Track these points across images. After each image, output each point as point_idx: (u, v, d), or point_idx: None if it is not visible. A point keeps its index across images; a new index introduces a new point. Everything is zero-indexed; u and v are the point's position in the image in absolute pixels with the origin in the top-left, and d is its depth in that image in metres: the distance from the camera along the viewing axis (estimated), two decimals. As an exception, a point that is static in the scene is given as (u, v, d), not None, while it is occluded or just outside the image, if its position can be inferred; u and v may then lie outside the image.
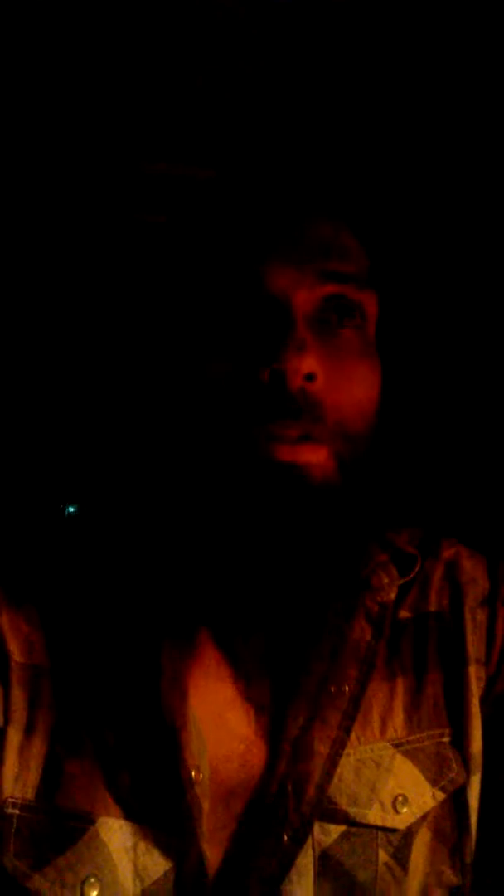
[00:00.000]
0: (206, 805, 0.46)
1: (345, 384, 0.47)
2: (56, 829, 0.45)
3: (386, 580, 0.53)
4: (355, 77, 0.71)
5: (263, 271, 0.46)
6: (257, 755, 0.48)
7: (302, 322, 0.46)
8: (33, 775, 0.45)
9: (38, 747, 0.46)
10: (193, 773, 0.45)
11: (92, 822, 0.45)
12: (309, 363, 0.44)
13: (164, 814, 0.45)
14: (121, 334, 0.55)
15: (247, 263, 0.46)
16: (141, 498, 0.54)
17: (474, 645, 0.55)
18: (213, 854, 0.46)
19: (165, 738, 0.45)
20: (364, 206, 0.54)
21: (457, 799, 0.51)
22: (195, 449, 0.46)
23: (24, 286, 0.69)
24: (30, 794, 0.45)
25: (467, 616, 0.55)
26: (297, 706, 0.49)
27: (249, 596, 0.49)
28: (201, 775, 0.46)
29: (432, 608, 0.55)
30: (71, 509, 0.57)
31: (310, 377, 0.45)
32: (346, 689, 0.50)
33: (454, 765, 0.51)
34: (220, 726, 0.48)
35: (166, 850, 0.45)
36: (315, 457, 0.45)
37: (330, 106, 0.72)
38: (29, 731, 0.46)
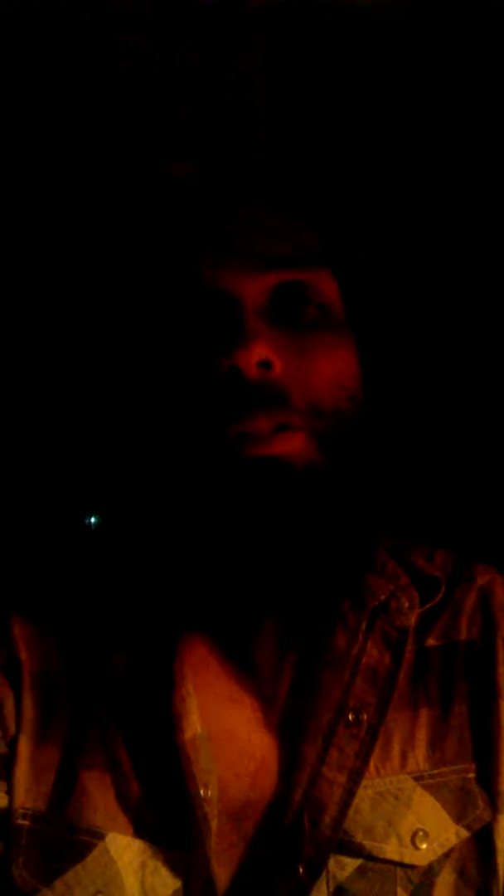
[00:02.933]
0: (214, 824, 0.45)
1: (309, 365, 0.46)
2: (66, 843, 0.45)
3: (406, 604, 0.52)
4: (288, 57, 0.71)
5: (209, 269, 0.46)
6: (269, 776, 0.47)
7: (252, 313, 0.46)
8: (45, 786, 0.46)
9: (50, 757, 0.46)
10: (202, 791, 0.45)
11: (102, 837, 0.45)
12: (259, 351, 0.44)
13: (172, 831, 0.45)
14: (97, 344, 0.56)
15: (191, 264, 0.47)
16: (142, 508, 0.54)
17: None
18: (221, 874, 0.45)
19: (175, 753, 0.45)
20: (307, 185, 0.53)
21: (483, 838, 0.49)
22: (177, 456, 0.47)
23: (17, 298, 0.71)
24: (41, 806, 0.45)
25: (500, 646, 0.53)
26: (313, 732, 0.48)
27: (256, 600, 0.49)
28: (210, 792, 0.45)
29: (462, 636, 0.53)
30: (93, 520, 0.59)
31: (266, 365, 0.44)
32: (365, 717, 0.48)
33: (480, 802, 0.49)
34: (231, 744, 0.48)
35: (175, 869, 0.45)
36: (291, 445, 0.45)
37: (264, 89, 0.72)
38: (41, 741, 0.47)
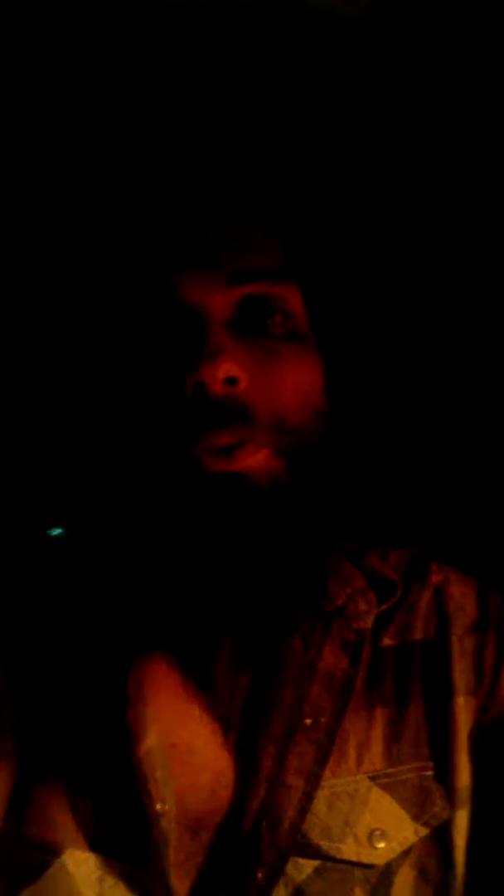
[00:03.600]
0: (172, 837, 0.45)
1: (274, 380, 0.47)
2: (24, 860, 0.45)
3: (363, 607, 0.52)
4: (255, 72, 0.72)
5: (175, 284, 0.47)
6: (226, 786, 0.48)
7: (218, 328, 0.46)
8: (1, 804, 0.46)
9: (5, 774, 0.46)
10: (159, 806, 0.45)
11: (59, 853, 0.45)
12: (225, 368, 0.44)
13: (129, 846, 0.45)
14: (65, 355, 0.56)
15: (158, 279, 0.47)
16: (104, 521, 0.54)
17: (462, 674, 0.53)
18: (180, 886, 0.45)
19: (130, 768, 0.45)
20: (272, 198, 0.54)
21: (441, 836, 0.49)
22: (142, 470, 0.47)
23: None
24: None
25: (454, 644, 0.54)
26: (270, 739, 0.48)
27: (214, 615, 0.50)
28: (167, 806, 0.45)
29: (418, 636, 0.54)
30: (56, 532, 0.59)
31: (231, 381, 0.45)
32: (322, 720, 0.49)
33: (438, 799, 0.49)
34: (188, 757, 0.48)
35: (133, 883, 0.45)
36: (254, 460, 0.45)
37: (229, 103, 0.72)
38: None
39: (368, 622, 0.52)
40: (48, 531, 0.60)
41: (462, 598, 0.56)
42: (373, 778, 0.49)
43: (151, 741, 0.46)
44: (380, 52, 0.76)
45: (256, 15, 0.75)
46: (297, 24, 0.75)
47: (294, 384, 0.48)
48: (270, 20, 0.75)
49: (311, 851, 0.46)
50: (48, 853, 0.45)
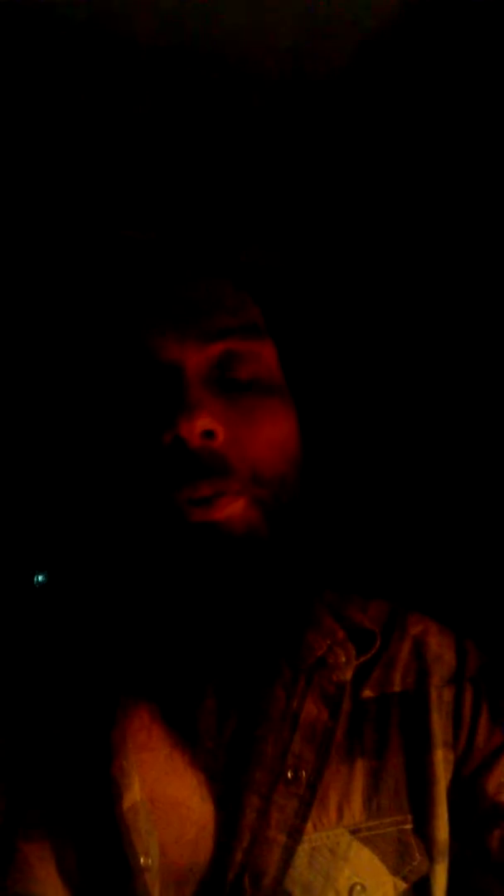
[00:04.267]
0: (156, 891, 0.45)
1: (251, 433, 0.48)
2: None
3: (343, 659, 0.53)
4: (224, 132, 0.75)
5: (151, 343, 0.48)
6: (210, 840, 0.48)
7: (194, 384, 0.47)
8: None
9: None
10: (143, 859, 0.45)
11: None
12: (202, 422, 0.46)
13: None
14: (46, 410, 0.58)
15: (134, 339, 0.49)
16: (85, 572, 0.55)
17: (441, 726, 0.54)
18: None
19: (114, 822, 0.45)
20: (243, 257, 0.56)
21: (421, 890, 0.50)
22: (123, 523, 0.48)
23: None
24: None
25: (433, 696, 0.55)
26: (252, 792, 0.48)
27: (197, 666, 0.50)
28: (150, 860, 0.45)
29: (396, 689, 0.55)
30: (40, 579, 0.59)
31: (208, 434, 0.46)
32: (303, 774, 0.49)
33: (417, 853, 0.50)
34: (172, 811, 0.48)
35: None
36: (232, 510, 0.47)
37: (200, 163, 0.75)
38: None
39: (348, 674, 0.53)
40: (34, 579, 0.60)
41: (440, 649, 0.57)
42: (353, 832, 0.49)
43: (135, 794, 0.47)
44: (354, 108, 0.79)
45: (234, 66, 0.78)
46: (274, 74, 0.78)
47: (269, 435, 0.49)
48: (249, 71, 0.78)
49: None
50: None
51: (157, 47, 0.74)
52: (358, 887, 0.48)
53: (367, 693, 0.54)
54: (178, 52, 0.76)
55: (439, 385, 0.80)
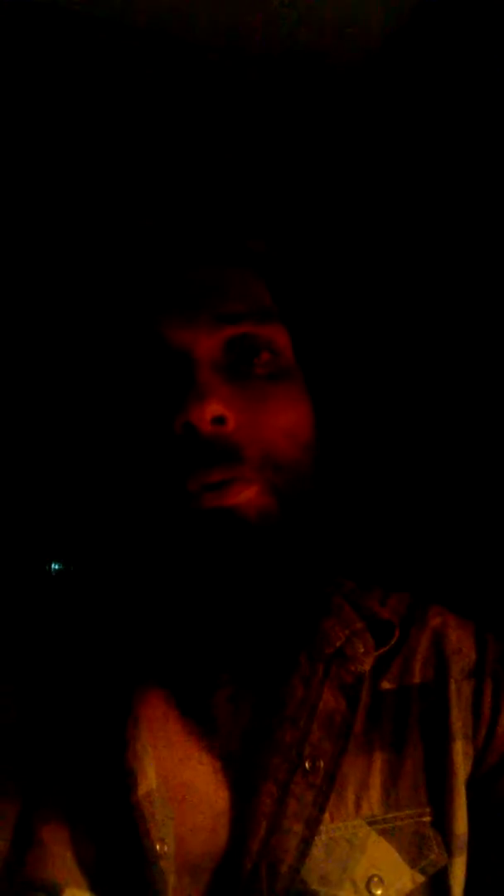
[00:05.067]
0: (171, 879, 0.45)
1: (263, 418, 0.48)
2: None
3: (361, 649, 0.53)
4: (238, 118, 0.74)
5: (162, 329, 0.48)
6: (226, 828, 0.48)
7: (205, 369, 0.47)
8: (2, 841, 0.46)
9: (8, 812, 0.46)
10: (158, 846, 0.45)
11: (59, 892, 0.45)
12: (212, 408, 0.45)
13: (129, 887, 0.45)
14: (56, 398, 0.57)
15: (145, 325, 0.48)
16: (100, 560, 0.55)
17: (460, 720, 0.53)
18: None
19: (130, 809, 0.45)
20: (255, 241, 0.55)
21: (438, 883, 0.49)
22: (136, 510, 0.48)
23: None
24: None
25: (453, 689, 0.54)
26: (269, 782, 0.48)
27: (213, 654, 0.50)
28: (167, 847, 0.45)
29: (416, 680, 0.54)
30: (56, 566, 0.59)
31: (219, 420, 0.46)
32: (321, 764, 0.49)
33: (435, 846, 0.50)
34: (188, 798, 0.48)
35: None
36: (244, 496, 0.46)
37: (212, 148, 0.74)
38: None
39: (366, 665, 0.53)
40: (49, 567, 0.60)
41: (460, 643, 0.56)
42: (371, 823, 0.49)
43: (151, 782, 0.46)
44: (368, 100, 0.79)
45: (246, 57, 0.77)
46: (287, 69, 0.78)
47: (282, 421, 0.49)
48: (260, 65, 0.78)
49: None
50: (48, 893, 0.45)
51: (172, 35, 0.74)
52: (375, 879, 0.48)
53: (386, 685, 0.54)
54: (195, 39, 0.76)
55: (458, 371, 0.79)
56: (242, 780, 0.48)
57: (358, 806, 0.49)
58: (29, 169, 0.77)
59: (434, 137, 0.77)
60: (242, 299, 0.50)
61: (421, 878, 0.49)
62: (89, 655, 0.51)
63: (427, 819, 0.50)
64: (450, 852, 0.50)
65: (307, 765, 0.49)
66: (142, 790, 0.46)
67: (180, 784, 0.48)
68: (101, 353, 0.50)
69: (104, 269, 0.53)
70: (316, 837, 0.47)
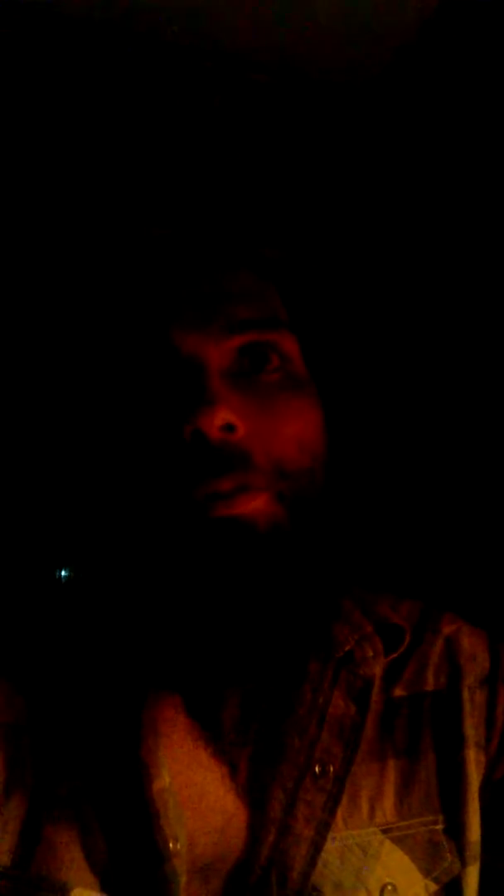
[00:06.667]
0: (182, 881, 0.45)
1: (272, 426, 0.47)
2: None
3: (370, 653, 0.52)
4: (249, 130, 0.75)
5: (172, 337, 0.48)
6: (236, 829, 0.47)
7: (215, 376, 0.47)
8: (10, 839, 0.45)
9: (16, 809, 0.46)
10: (171, 844, 0.45)
11: (67, 892, 0.44)
12: (222, 416, 0.45)
13: (140, 886, 0.44)
14: (65, 404, 0.57)
15: (155, 333, 0.48)
16: (111, 566, 0.55)
17: (473, 727, 0.53)
18: None
19: (143, 806, 0.45)
20: (266, 248, 0.55)
21: (451, 892, 0.49)
22: (145, 518, 0.47)
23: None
24: (6, 860, 0.45)
25: (465, 696, 0.54)
26: (279, 786, 0.48)
27: (221, 658, 0.50)
28: (179, 846, 0.45)
29: (429, 688, 0.54)
30: (64, 573, 0.59)
31: (228, 428, 0.45)
32: (331, 769, 0.49)
33: (448, 854, 0.49)
34: (199, 800, 0.47)
35: None
36: (254, 505, 0.46)
37: (224, 158, 0.74)
38: (7, 794, 0.46)
39: (376, 669, 0.53)
40: (58, 574, 0.60)
41: (473, 650, 0.56)
42: (385, 831, 0.49)
43: (165, 779, 0.46)
44: (376, 118, 0.79)
45: (255, 76, 0.78)
46: (296, 90, 0.78)
47: (292, 429, 0.48)
48: (270, 83, 0.79)
49: None
50: (56, 893, 0.44)
51: (183, 44, 0.75)
52: (389, 887, 0.47)
53: (399, 692, 0.54)
54: (208, 47, 0.76)
55: (471, 381, 0.79)
56: (252, 785, 0.48)
57: (372, 813, 0.49)
58: (36, 174, 0.78)
59: (450, 152, 0.78)
60: (254, 307, 0.50)
61: (434, 887, 0.48)
62: (100, 660, 0.51)
63: (440, 827, 0.50)
64: (463, 861, 0.49)
65: (317, 769, 0.48)
66: (156, 786, 0.45)
67: (191, 786, 0.48)
68: (111, 360, 0.50)
69: (114, 275, 0.53)
70: (329, 844, 0.47)
